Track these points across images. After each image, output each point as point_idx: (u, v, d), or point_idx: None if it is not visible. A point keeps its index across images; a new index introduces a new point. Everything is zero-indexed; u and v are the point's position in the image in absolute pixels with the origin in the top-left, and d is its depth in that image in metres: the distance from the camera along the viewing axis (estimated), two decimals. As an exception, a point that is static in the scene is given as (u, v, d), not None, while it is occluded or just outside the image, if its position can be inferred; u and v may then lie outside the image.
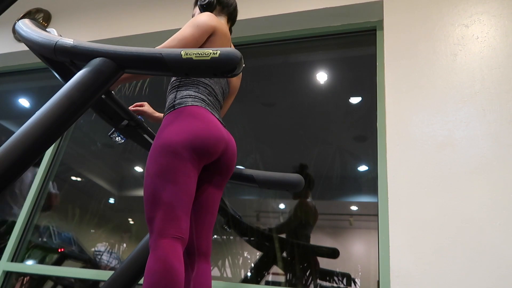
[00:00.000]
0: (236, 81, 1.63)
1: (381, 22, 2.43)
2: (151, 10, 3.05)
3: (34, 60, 3.23)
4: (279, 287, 2.14)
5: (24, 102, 3.67)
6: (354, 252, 2.16)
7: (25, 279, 2.58)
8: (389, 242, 1.71)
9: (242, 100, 2.74)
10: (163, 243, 1.11)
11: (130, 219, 2.84)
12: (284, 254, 2.21)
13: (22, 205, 2.62)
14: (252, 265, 2.27)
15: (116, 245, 2.68)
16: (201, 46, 1.42)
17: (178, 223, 1.16)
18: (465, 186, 1.71)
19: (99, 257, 2.60)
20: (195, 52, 1.04)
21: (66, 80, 1.10)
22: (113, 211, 2.89)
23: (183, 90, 1.37)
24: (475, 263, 1.55)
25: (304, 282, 2.12)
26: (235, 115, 2.70)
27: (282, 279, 2.19)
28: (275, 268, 2.19)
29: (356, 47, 2.68)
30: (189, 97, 1.34)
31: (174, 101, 1.34)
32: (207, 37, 1.43)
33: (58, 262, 2.64)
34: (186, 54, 1.05)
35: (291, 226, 2.31)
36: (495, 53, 1.96)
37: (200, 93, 1.37)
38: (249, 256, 2.31)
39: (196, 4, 1.66)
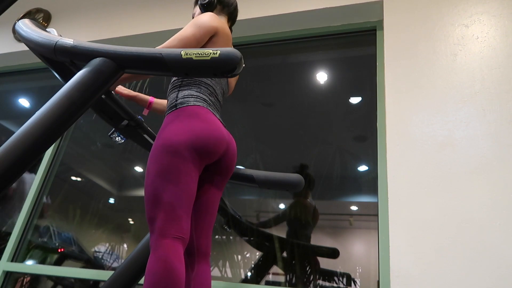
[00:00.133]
0: (233, 81, 1.63)
1: (381, 22, 2.43)
2: (151, 10, 3.05)
3: (34, 60, 3.23)
4: (279, 287, 2.14)
5: (24, 102, 3.67)
6: (354, 252, 2.16)
7: (25, 279, 2.58)
8: (389, 242, 1.71)
9: (242, 100, 2.75)
10: (164, 243, 1.11)
11: (130, 219, 2.84)
12: (284, 254, 2.21)
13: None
14: (252, 265, 2.27)
15: (116, 245, 2.68)
16: (203, 47, 1.42)
17: (179, 223, 1.16)
18: (465, 186, 1.71)
19: (99, 257, 2.60)
20: (195, 52, 1.04)
21: (66, 80, 1.10)
22: (113, 211, 2.89)
23: (185, 89, 1.36)
24: (475, 263, 1.55)
25: (304, 282, 2.12)
26: (235, 115, 2.70)
27: (282, 279, 2.19)
28: (275, 268, 2.19)
29: (356, 47, 2.68)
30: (191, 97, 1.34)
31: (176, 100, 1.34)
32: (210, 38, 1.43)
33: (58, 262, 2.65)
34: (186, 54, 1.05)
35: (291, 224, 2.31)
36: (495, 53, 1.96)
37: (202, 93, 1.37)
38: (249, 256, 2.31)
39: (196, 3, 1.66)
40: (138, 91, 1.74)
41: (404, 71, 2.07)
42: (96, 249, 2.63)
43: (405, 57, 2.11)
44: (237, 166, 1.52)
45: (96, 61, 1.08)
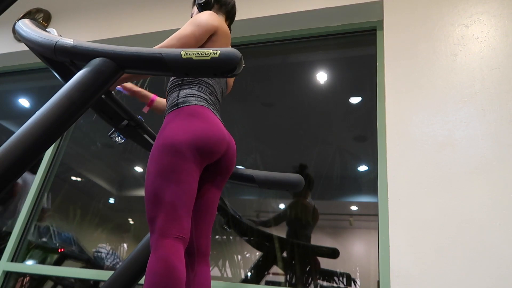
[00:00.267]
0: (231, 80, 1.63)
1: (381, 22, 2.43)
2: (151, 10, 3.05)
3: (34, 60, 3.23)
4: (279, 287, 2.14)
5: (24, 102, 3.67)
6: (354, 252, 2.16)
7: (25, 279, 2.58)
8: (389, 242, 1.71)
9: (242, 100, 2.75)
10: (165, 243, 1.11)
11: (130, 219, 2.84)
12: (284, 254, 2.21)
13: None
14: (252, 265, 2.27)
15: (116, 245, 2.68)
16: (203, 46, 1.42)
17: (180, 223, 1.15)
18: (465, 186, 1.71)
19: (99, 257, 2.60)
20: (195, 52, 1.04)
21: (66, 80, 1.10)
22: (113, 211, 2.89)
23: (186, 89, 1.36)
24: (475, 263, 1.55)
25: (304, 282, 2.12)
26: (235, 115, 2.70)
27: (282, 279, 2.19)
28: (275, 268, 2.19)
29: (356, 47, 2.68)
30: (192, 96, 1.33)
31: (177, 99, 1.34)
32: (209, 37, 1.43)
33: (58, 262, 2.64)
34: (186, 54, 1.05)
35: (291, 224, 2.31)
36: (495, 53, 1.96)
37: (203, 93, 1.37)
38: (249, 256, 2.31)
39: (194, 3, 1.66)
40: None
41: (404, 71, 2.07)
42: (96, 249, 2.63)
43: (405, 57, 2.11)
44: (237, 166, 1.52)
45: (96, 61, 1.08)
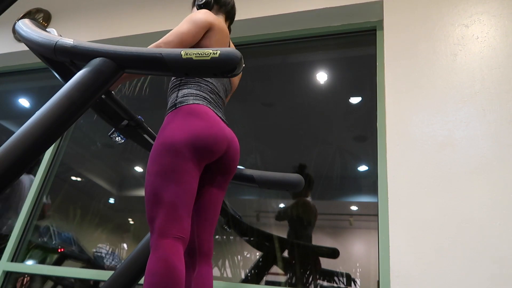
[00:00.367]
0: (236, 79, 1.63)
1: (381, 22, 2.43)
2: (151, 10, 3.05)
3: (34, 60, 3.23)
4: (279, 287, 2.14)
5: (24, 102, 3.67)
6: (354, 252, 2.16)
7: (25, 279, 2.58)
8: (389, 242, 1.71)
9: (242, 100, 2.75)
10: (165, 243, 1.11)
11: (130, 219, 2.84)
12: (284, 254, 2.21)
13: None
14: (252, 265, 2.27)
15: (116, 245, 2.68)
16: (199, 42, 1.42)
17: (180, 223, 1.15)
18: (465, 186, 1.71)
19: (99, 257, 2.60)
20: (195, 52, 1.04)
21: (66, 80, 1.10)
22: (113, 211, 2.89)
23: (185, 88, 1.36)
24: (475, 263, 1.55)
25: (304, 282, 2.12)
26: (235, 115, 2.70)
27: (282, 279, 2.19)
28: (275, 268, 2.19)
29: (356, 47, 2.68)
30: (191, 96, 1.33)
31: (176, 99, 1.34)
32: (204, 33, 1.43)
33: (58, 262, 2.64)
34: (186, 54, 1.05)
35: (291, 224, 2.31)
36: (495, 53, 1.96)
37: (202, 91, 1.37)
38: (249, 256, 2.31)
39: (194, 4, 1.67)
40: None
41: (404, 71, 2.07)
42: (96, 249, 2.63)
43: (405, 57, 2.11)
44: (237, 166, 1.52)
45: (96, 61, 1.08)
